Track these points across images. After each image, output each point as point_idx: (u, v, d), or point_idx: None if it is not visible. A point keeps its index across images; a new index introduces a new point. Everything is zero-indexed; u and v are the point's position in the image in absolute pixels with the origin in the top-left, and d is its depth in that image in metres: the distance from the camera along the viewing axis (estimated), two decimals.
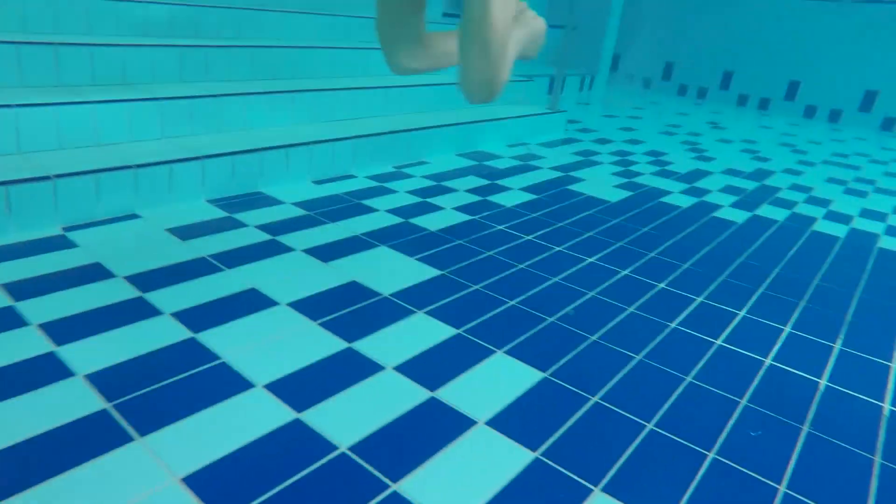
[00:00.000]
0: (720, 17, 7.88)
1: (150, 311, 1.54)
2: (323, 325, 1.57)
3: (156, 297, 1.61)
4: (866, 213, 3.20)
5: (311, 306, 1.66)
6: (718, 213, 2.89)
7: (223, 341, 1.45)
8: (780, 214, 3.00)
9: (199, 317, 1.54)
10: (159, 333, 1.45)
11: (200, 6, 3.16)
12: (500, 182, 3.00)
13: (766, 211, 3.04)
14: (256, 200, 2.42)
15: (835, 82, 7.31)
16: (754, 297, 2.00)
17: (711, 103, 7.74)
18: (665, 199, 3.02)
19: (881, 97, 7.09)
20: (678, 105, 7.14)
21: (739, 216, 2.90)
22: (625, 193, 3.05)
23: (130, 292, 1.62)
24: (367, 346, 1.50)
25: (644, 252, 2.30)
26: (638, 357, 1.57)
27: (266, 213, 2.30)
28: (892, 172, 4.46)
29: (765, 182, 3.67)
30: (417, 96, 3.57)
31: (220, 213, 2.25)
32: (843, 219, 3.05)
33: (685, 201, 3.04)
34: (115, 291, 1.62)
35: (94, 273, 1.71)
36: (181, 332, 1.46)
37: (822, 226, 2.89)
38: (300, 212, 2.35)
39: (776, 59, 7.56)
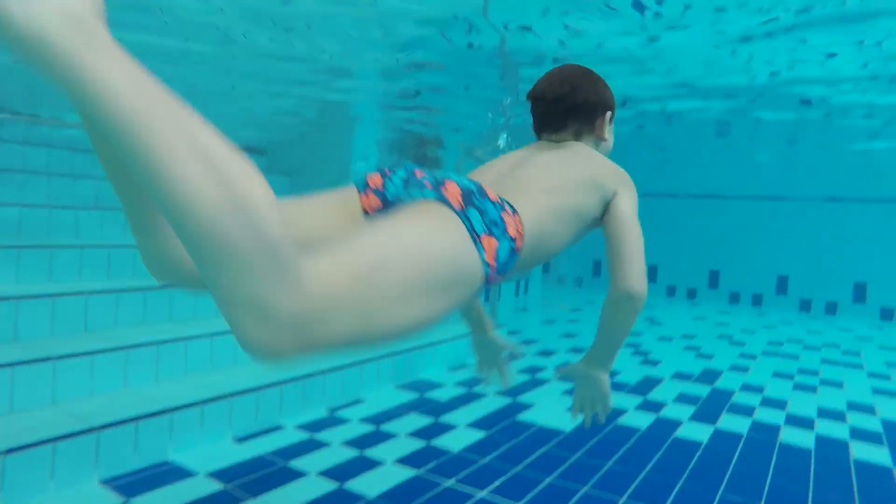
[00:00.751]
0: (643, 217, 8.56)
1: None
2: None
3: None
4: (824, 414, 3.10)
5: None
6: (680, 433, 2.71)
7: None
8: (742, 425, 2.85)
9: None
10: None
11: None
12: (444, 419, 2.75)
13: (727, 423, 2.88)
14: (163, 475, 2.06)
15: (752, 270, 7.82)
16: None
17: None
18: (622, 421, 2.83)
19: (792, 281, 7.58)
20: None
21: (702, 433, 2.71)
22: (579, 417, 2.85)
23: None
24: None
25: (613, 498, 2.03)
26: None
27: (172, 494, 1.93)
28: (828, 360, 4.52)
29: (715, 385, 3.58)
30: None
31: (114, 501, 1.87)
32: (806, 423, 2.92)
33: (643, 421, 2.85)
34: None
35: None
36: None
37: (788, 436, 2.73)
38: (215, 486, 1.99)
39: (697, 252, 8.10)
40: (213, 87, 4.09)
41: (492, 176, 1.32)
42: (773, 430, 2.81)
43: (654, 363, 4.09)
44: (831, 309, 7.35)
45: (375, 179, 1.18)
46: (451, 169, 7.63)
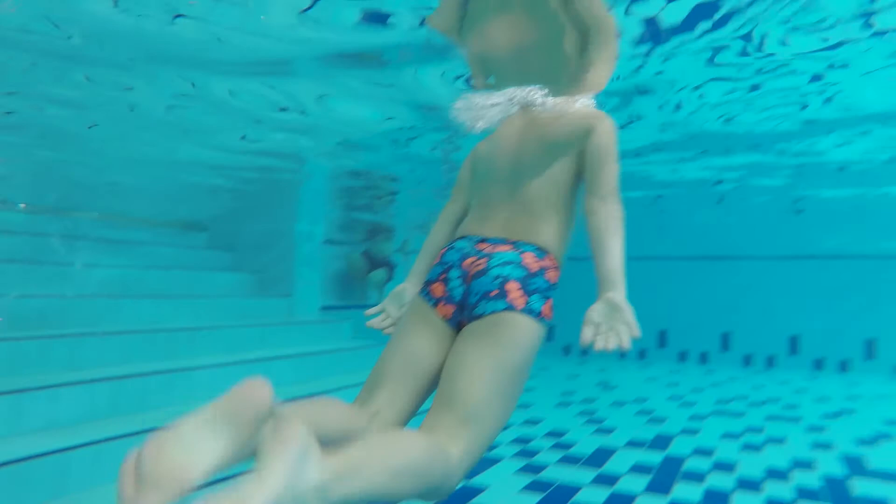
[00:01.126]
0: (588, 278, 8.77)
1: None
2: None
3: None
4: (772, 474, 3.17)
5: None
6: None
7: None
8: (694, 494, 2.88)
9: None
10: None
11: None
12: None
13: (680, 493, 2.91)
14: None
15: (698, 328, 8.07)
16: None
17: (595, 360, 8.14)
18: (577, 499, 2.81)
19: (734, 337, 7.86)
20: (565, 366, 7.42)
21: None
22: (534, 498, 2.82)
23: None
24: None
25: None
26: None
27: None
28: (771, 415, 4.66)
29: (668, 451, 3.63)
30: None
31: None
32: (754, 486, 2.98)
33: (598, 496, 2.85)
34: None
35: None
36: None
37: (739, 502, 2.78)
38: None
39: (645, 312, 8.27)
40: (153, 155, 4.08)
41: (505, 208, 1.43)
42: (724, 497, 2.86)
43: (608, 431, 4.12)
44: (770, 362, 7.63)
45: (438, 290, 1.36)
46: (398, 241, 7.69)
